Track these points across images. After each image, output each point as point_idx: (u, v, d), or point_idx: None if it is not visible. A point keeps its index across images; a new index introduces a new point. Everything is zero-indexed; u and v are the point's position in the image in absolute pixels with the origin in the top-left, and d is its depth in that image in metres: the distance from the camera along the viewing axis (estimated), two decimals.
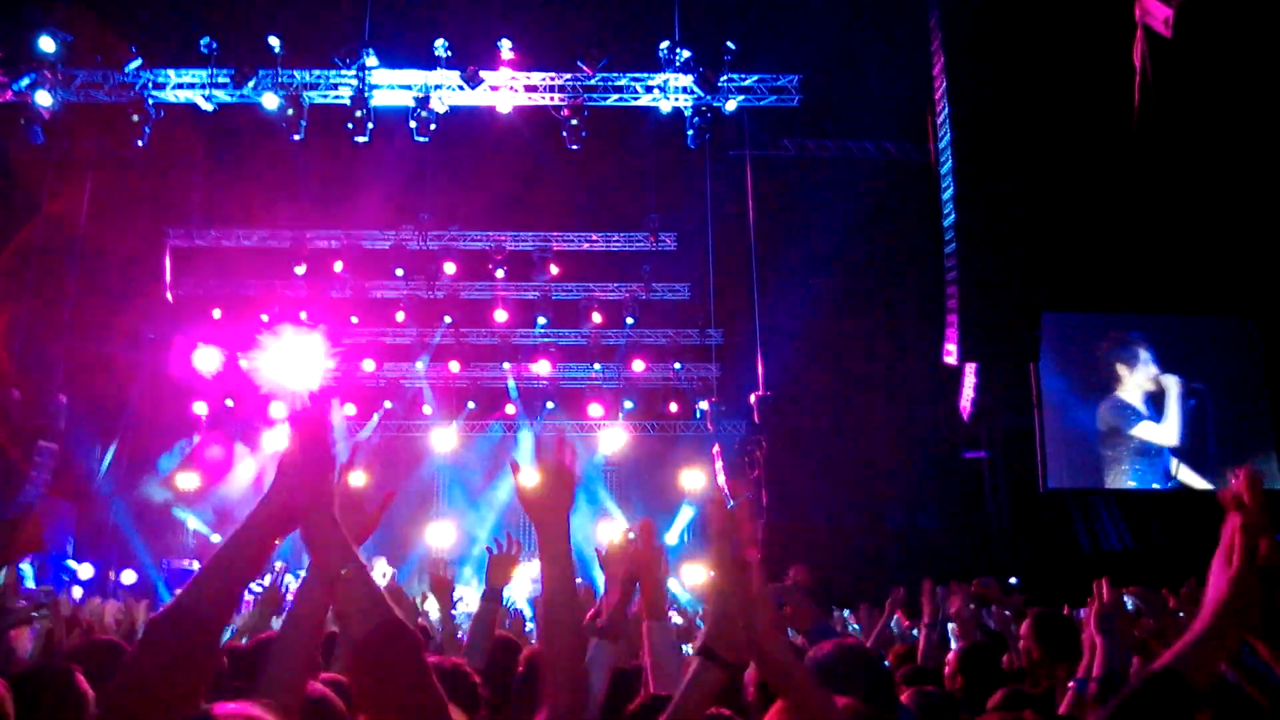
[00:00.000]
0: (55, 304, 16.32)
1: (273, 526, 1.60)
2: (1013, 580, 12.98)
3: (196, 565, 16.63)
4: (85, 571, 16.19)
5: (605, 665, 2.99)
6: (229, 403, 19.01)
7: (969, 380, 16.21)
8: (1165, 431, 16.31)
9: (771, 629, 1.64)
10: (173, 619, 1.49)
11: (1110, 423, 16.34)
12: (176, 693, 1.39)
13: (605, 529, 16.25)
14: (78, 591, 14.86)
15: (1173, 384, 16.42)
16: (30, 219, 15.81)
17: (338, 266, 18.33)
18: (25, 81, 14.89)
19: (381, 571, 15.03)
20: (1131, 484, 16.17)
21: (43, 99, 14.85)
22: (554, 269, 18.47)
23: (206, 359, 18.28)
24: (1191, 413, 16.29)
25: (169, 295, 18.47)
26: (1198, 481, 16.04)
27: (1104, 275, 16.16)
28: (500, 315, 18.68)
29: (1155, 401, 16.43)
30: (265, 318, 18.59)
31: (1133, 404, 16.41)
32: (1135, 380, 16.53)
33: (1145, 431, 16.27)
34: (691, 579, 16.59)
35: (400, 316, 18.85)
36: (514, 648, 3.96)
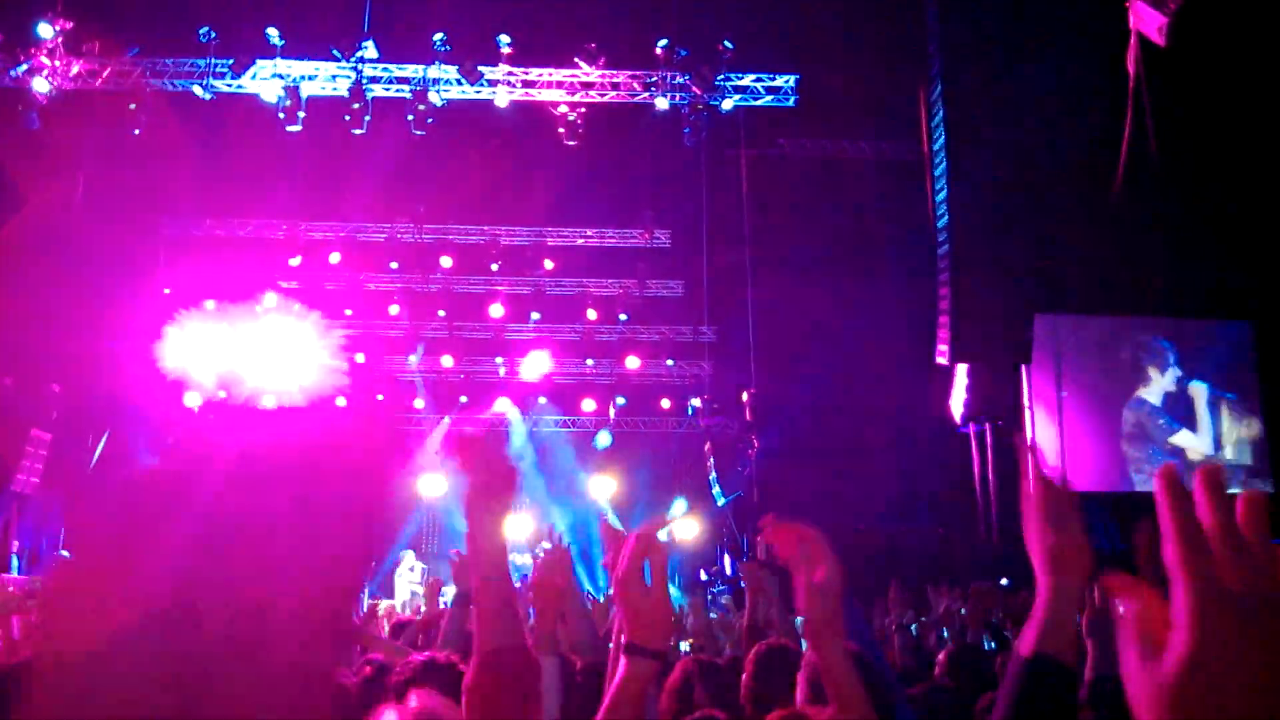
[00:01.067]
0: (47, 293, 16.28)
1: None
2: (1004, 581, 13.05)
3: None
4: None
5: (555, 687, 2.81)
6: (221, 394, 18.96)
7: (960, 381, 16.29)
8: (1200, 440, 16.22)
9: (833, 634, 1.70)
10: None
11: (1134, 425, 16.27)
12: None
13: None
14: None
15: (1201, 391, 16.34)
16: (22, 207, 15.77)
17: (334, 258, 18.33)
18: (23, 68, 14.85)
19: (409, 565, 15.06)
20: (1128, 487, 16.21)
21: (39, 86, 14.82)
22: (548, 264, 18.50)
23: (199, 353, 18.23)
24: (1217, 419, 16.26)
25: (164, 288, 18.42)
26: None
27: (1097, 278, 16.23)
28: (496, 310, 18.69)
29: (1173, 406, 16.37)
30: (259, 310, 18.55)
31: (1157, 405, 16.34)
32: (1160, 382, 16.42)
33: (1182, 440, 16.16)
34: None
35: (394, 310, 18.85)
36: None
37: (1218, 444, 16.19)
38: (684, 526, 16.68)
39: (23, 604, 7.19)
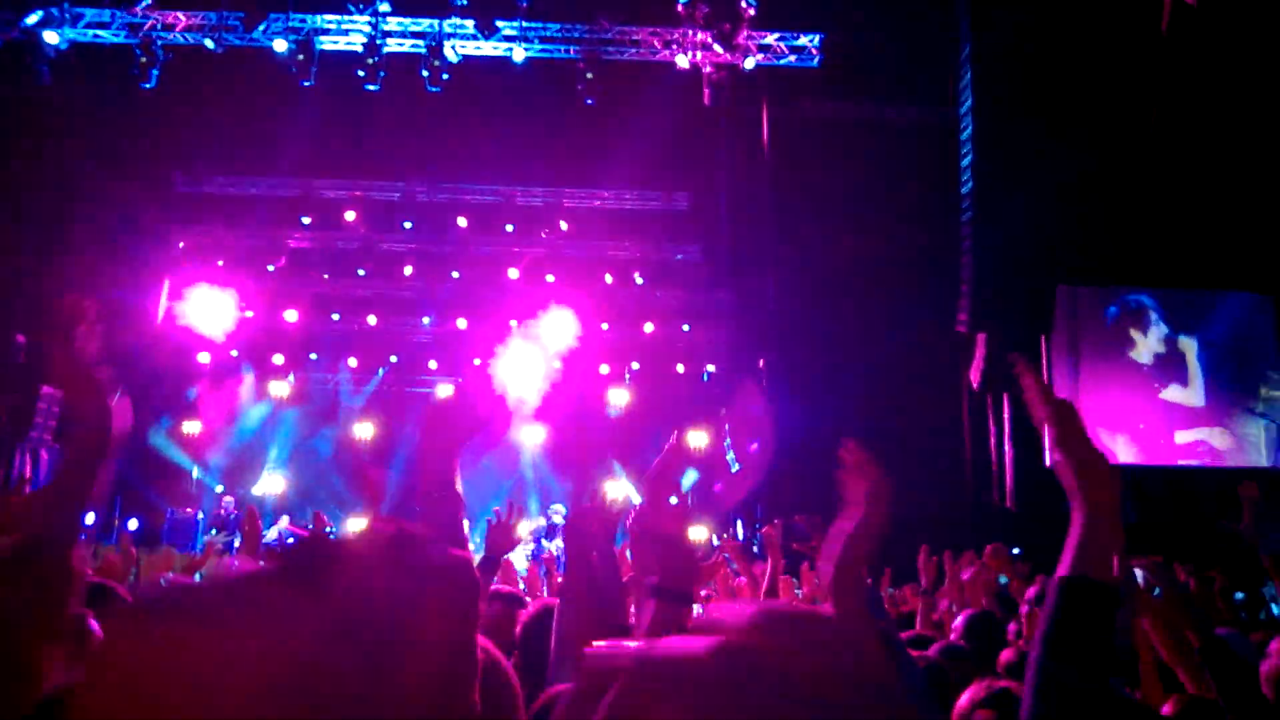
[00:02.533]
0: (58, 249, 16.19)
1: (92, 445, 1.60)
2: (1015, 551, 12.91)
3: (201, 515, 16.71)
4: (87, 518, 16.16)
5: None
6: (234, 353, 18.92)
7: (979, 351, 16.07)
8: (1191, 395, 16.20)
9: (854, 583, 1.68)
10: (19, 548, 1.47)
11: (1132, 387, 16.23)
12: (39, 620, 1.36)
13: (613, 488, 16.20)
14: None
15: (1190, 346, 16.31)
16: (32, 162, 15.63)
17: (350, 216, 18.14)
18: (33, 19, 14.64)
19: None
20: (1139, 458, 16.06)
21: (50, 37, 14.63)
22: (564, 225, 18.26)
23: (209, 310, 18.18)
24: (1210, 372, 16.21)
25: (174, 241, 18.31)
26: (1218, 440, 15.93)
27: (1122, 249, 15.95)
28: (512, 273, 18.48)
29: (1171, 365, 16.32)
30: (271, 268, 18.45)
31: (1151, 367, 16.27)
32: (1149, 345, 16.39)
33: (1173, 395, 16.14)
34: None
35: (408, 270, 18.67)
36: (517, 602, 3.94)
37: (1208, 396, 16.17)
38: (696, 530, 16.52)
39: None
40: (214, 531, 16.21)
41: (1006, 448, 16.42)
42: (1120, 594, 1.41)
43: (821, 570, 1.70)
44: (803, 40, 15.37)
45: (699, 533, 16.23)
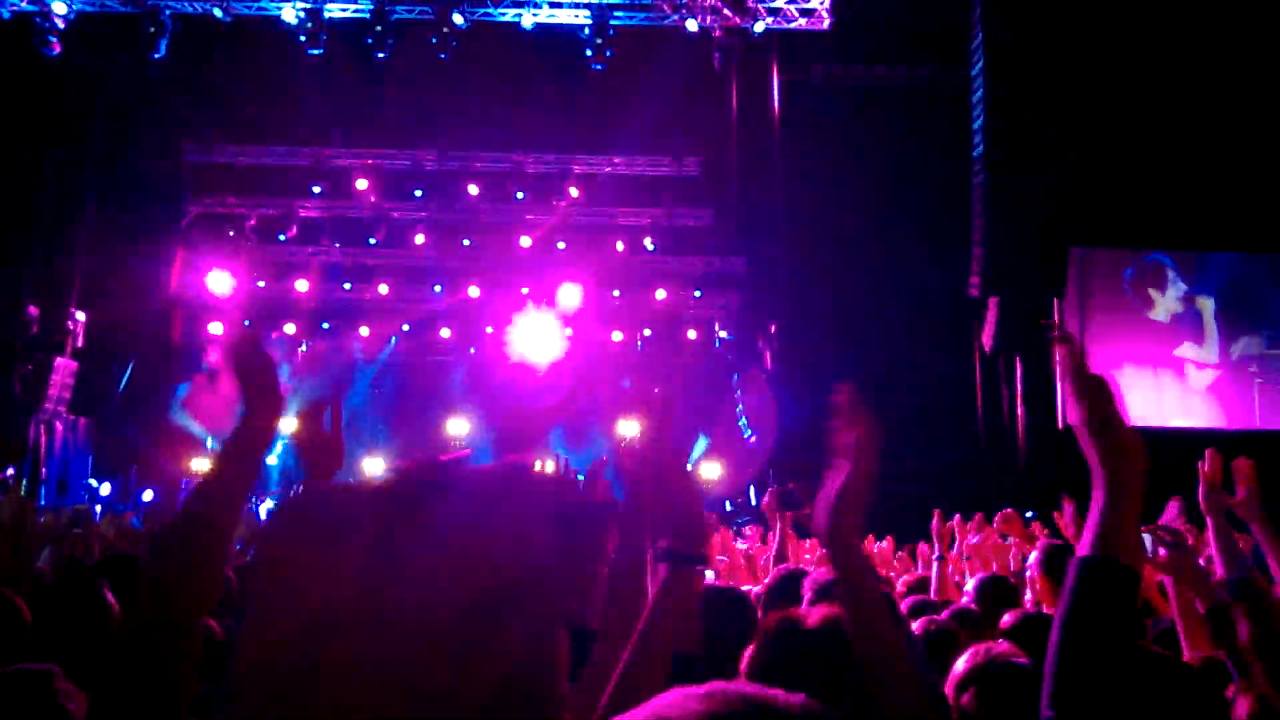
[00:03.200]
0: (71, 220, 16.24)
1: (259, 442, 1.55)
2: (1029, 514, 12.94)
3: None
4: (104, 490, 16.35)
5: None
6: (246, 323, 18.99)
7: (992, 312, 16.02)
8: (1206, 353, 16.18)
9: (850, 534, 1.63)
10: (179, 531, 1.46)
11: (1147, 346, 16.22)
12: (183, 605, 1.37)
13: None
14: (97, 509, 15.05)
15: (1207, 304, 16.26)
16: (42, 134, 15.64)
17: (362, 184, 18.12)
18: None
19: None
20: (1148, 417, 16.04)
21: (58, 8, 14.58)
22: (574, 192, 18.21)
23: (220, 280, 18.24)
24: (1225, 331, 16.20)
25: (186, 211, 18.32)
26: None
27: (1134, 209, 15.84)
28: (524, 241, 18.45)
29: (1188, 323, 16.31)
30: (283, 237, 18.47)
31: (1168, 326, 16.25)
32: (1166, 304, 16.35)
33: (1187, 353, 16.12)
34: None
35: (420, 239, 18.65)
36: None
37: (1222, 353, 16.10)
38: (707, 469, 16.62)
39: (53, 534, 7.20)
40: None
41: (1019, 410, 16.42)
42: (1140, 576, 1.38)
43: (817, 531, 1.66)
44: (813, 3, 15.21)
45: (710, 471, 16.29)
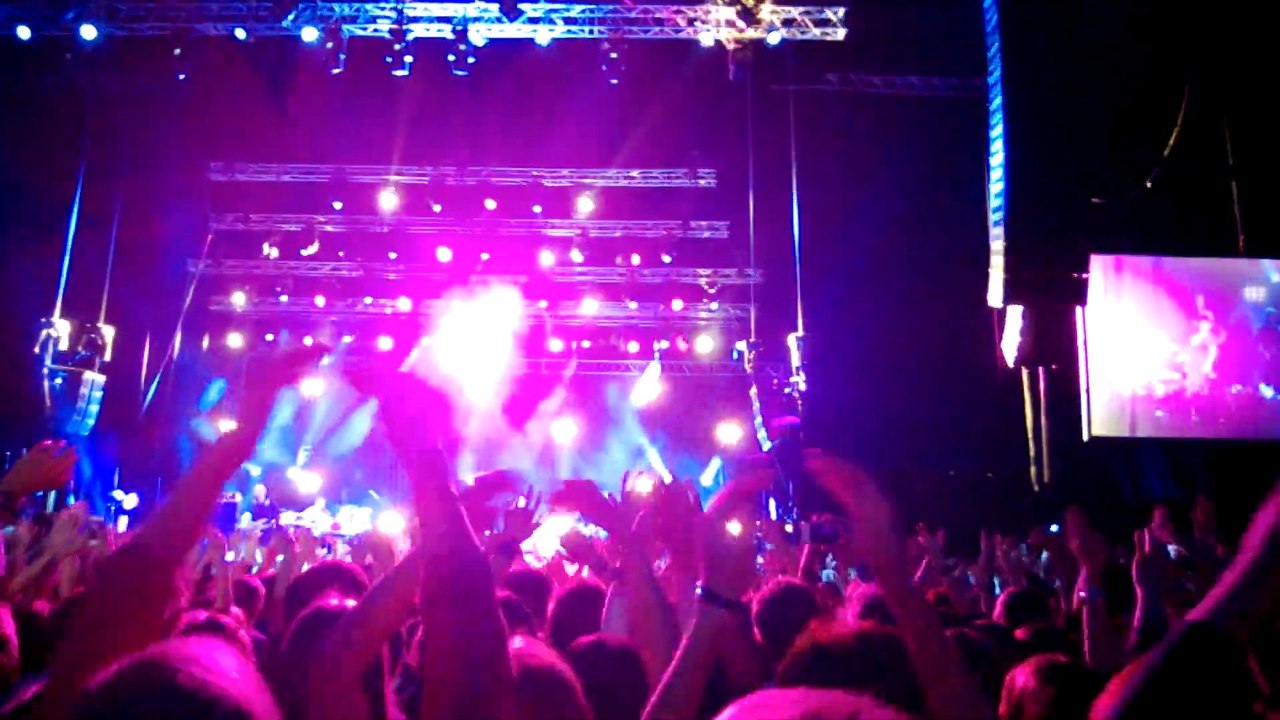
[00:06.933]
0: (99, 238, 16.52)
1: (222, 465, 1.60)
2: (1053, 528, 12.83)
3: (239, 497, 17.01)
4: (130, 501, 16.55)
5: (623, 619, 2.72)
6: (269, 337, 19.21)
7: (1012, 324, 15.89)
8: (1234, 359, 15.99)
9: (897, 570, 1.65)
10: (131, 555, 1.49)
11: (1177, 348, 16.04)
12: (133, 627, 1.38)
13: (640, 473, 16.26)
14: (124, 521, 15.23)
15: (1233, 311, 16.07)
16: (69, 155, 15.90)
17: (385, 198, 18.31)
18: (70, 14, 14.86)
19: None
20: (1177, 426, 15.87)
21: (87, 32, 14.83)
22: (590, 205, 18.30)
23: (240, 298, 18.52)
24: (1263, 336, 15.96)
25: (210, 228, 18.57)
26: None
27: (1153, 218, 15.72)
28: (546, 258, 18.55)
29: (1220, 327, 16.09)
30: (305, 252, 18.68)
31: (1197, 329, 16.05)
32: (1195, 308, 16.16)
33: (1215, 355, 15.92)
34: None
35: (445, 254, 18.74)
36: (544, 585, 4.11)
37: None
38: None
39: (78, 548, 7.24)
40: (247, 516, 16.55)
41: (1044, 422, 16.30)
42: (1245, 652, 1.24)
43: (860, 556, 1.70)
44: (827, 13, 15.24)
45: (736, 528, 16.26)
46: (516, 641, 1.88)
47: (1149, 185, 15.56)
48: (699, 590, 1.69)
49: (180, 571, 1.52)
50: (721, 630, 1.68)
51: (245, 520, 16.09)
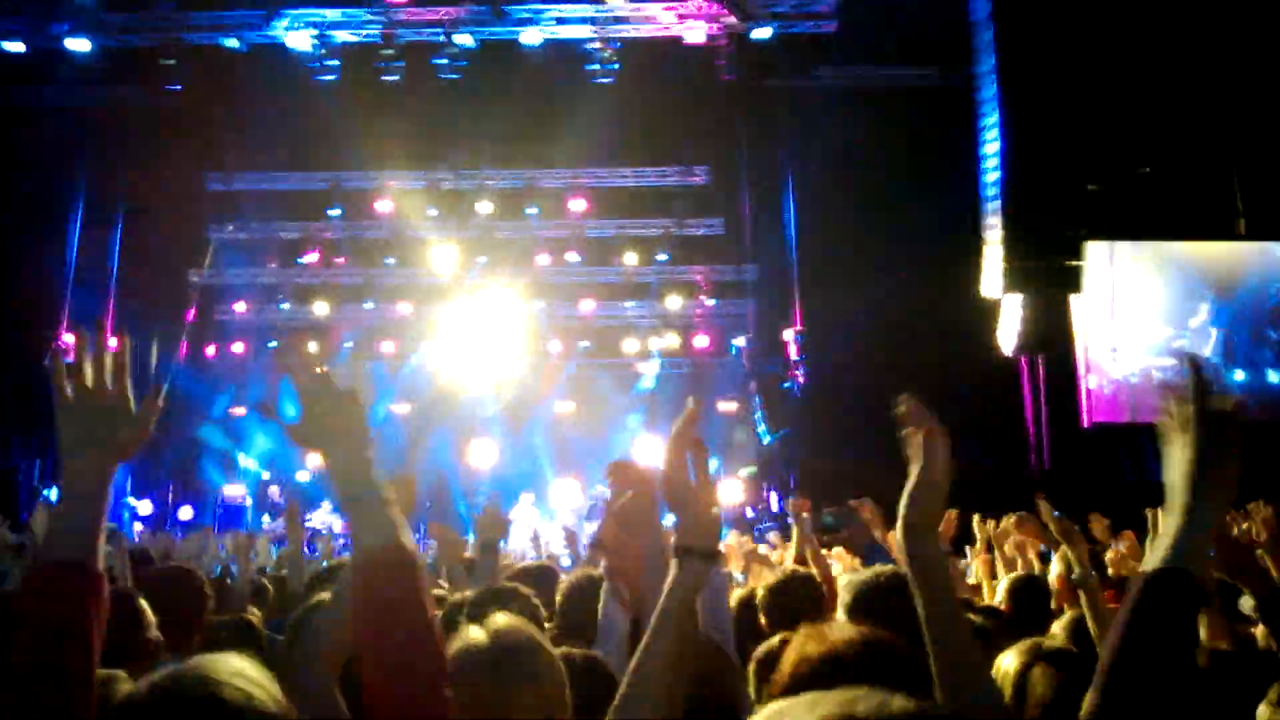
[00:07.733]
0: (103, 251, 16.71)
1: None
2: (1055, 513, 12.82)
3: (250, 500, 17.22)
4: (144, 508, 16.72)
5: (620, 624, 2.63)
6: (272, 344, 19.35)
7: (1009, 313, 15.87)
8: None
9: (931, 531, 1.69)
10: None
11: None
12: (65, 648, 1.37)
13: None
14: (137, 527, 15.39)
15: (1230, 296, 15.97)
16: (64, 168, 16.05)
17: (382, 205, 18.41)
18: (61, 28, 14.96)
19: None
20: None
21: (79, 45, 14.92)
22: (583, 204, 18.35)
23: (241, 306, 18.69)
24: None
25: (209, 239, 18.70)
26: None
27: (1150, 203, 15.66)
28: (542, 260, 18.61)
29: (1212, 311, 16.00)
30: (305, 260, 18.81)
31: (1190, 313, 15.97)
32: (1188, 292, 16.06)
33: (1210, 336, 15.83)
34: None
35: (442, 256, 18.83)
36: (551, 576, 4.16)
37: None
38: (726, 490, 16.60)
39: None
40: (267, 518, 16.67)
41: (1043, 410, 16.30)
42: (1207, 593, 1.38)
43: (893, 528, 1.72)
44: (817, 6, 15.21)
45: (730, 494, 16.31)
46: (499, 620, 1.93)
47: (1146, 170, 15.50)
48: (674, 550, 1.69)
49: (91, 564, 1.50)
50: (701, 584, 1.68)
51: (266, 521, 16.23)
